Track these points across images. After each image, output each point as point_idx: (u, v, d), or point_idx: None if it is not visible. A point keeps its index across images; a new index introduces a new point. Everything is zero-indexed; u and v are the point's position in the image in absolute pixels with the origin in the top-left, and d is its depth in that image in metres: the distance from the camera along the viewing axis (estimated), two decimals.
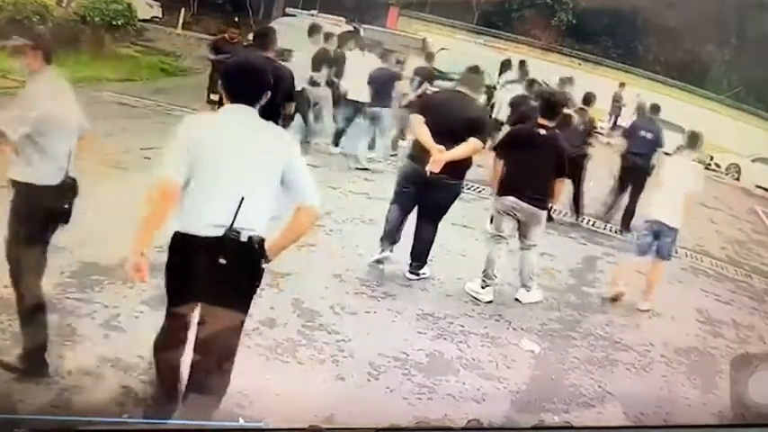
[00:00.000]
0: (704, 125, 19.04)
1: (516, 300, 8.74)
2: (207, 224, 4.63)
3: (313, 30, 13.81)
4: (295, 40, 17.17)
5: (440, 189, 8.27)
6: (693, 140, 9.71)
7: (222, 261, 4.61)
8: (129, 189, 9.57)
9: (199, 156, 4.67)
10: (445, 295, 8.47)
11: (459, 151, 8.11)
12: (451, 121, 8.16)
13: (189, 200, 4.72)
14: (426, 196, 8.37)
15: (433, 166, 8.06)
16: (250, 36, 14.96)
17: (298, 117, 10.74)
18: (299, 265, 8.37)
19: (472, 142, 8.13)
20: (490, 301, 8.53)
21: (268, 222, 4.83)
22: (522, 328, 8.03)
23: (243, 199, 4.57)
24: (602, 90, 17.50)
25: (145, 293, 6.98)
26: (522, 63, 15.76)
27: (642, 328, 8.86)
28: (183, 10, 25.16)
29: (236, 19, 23.89)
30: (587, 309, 9.00)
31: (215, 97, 12.90)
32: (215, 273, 4.67)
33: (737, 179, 23.71)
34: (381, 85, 12.53)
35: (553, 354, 7.74)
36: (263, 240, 4.76)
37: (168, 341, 5.08)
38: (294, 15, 19.62)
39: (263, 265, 4.86)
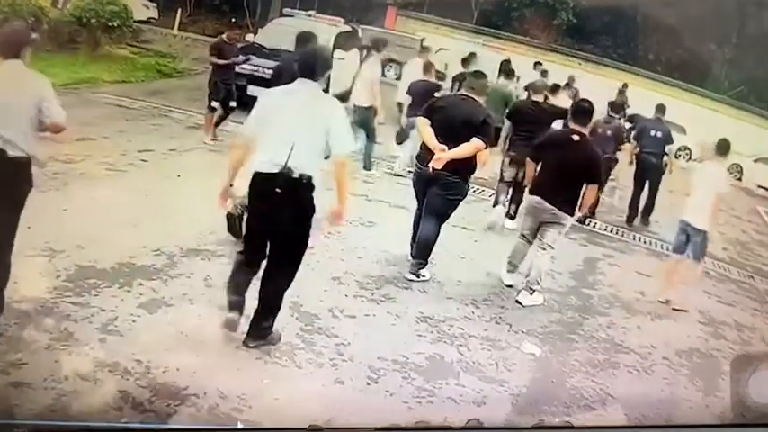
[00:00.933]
0: (705, 125, 19.09)
1: (517, 302, 8.71)
2: (269, 163, 6.18)
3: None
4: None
5: (443, 187, 8.48)
6: (722, 148, 9.88)
7: (278, 190, 6.16)
8: (126, 191, 9.59)
9: (266, 115, 6.37)
10: (445, 298, 8.41)
11: (461, 150, 8.35)
12: (456, 122, 8.44)
13: (260, 147, 6.31)
14: (430, 195, 8.60)
15: (435, 163, 8.34)
16: (248, 37, 14.93)
17: None
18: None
19: (474, 142, 8.37)
20: (510, 286, 8.90)
21: (318, 166, 6.28)
22: (522, 331, 7.98)
23: (293, 146, 6.10)
24: (605, 90, 17.56)
25: (142, 297, 6.96)
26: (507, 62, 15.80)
27: (644, 329, 8.81)
28: (179, 11, 25.13)
29: (233, 20, 23.94)
30: (588, 311, 8.94)
31: (216, 104, 12.90)
32: (275, 199, 6.19)
33: (739, 179, 23.66)
34: (421, 96, 12.64)
35: (554, 356, 7.68)
36: (311, 178, 6.21)
37: (240, 270, 6.58)
38: (291, 16, 19.56)
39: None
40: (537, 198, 8.61)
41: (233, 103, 13.18)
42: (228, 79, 13.34)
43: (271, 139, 6.24)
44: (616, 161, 12.97)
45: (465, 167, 8.53)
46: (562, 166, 8.46)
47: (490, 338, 7.63)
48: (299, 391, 6.10)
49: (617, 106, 13.62)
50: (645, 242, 12.62)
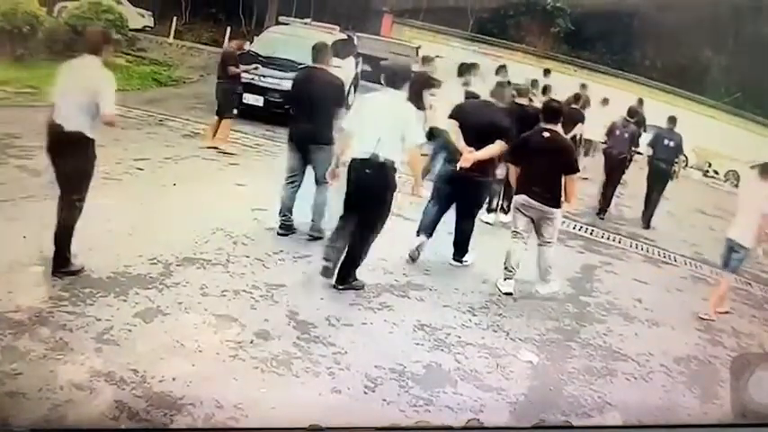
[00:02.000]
0: (702, 132, 19.13)
1: (536, 291, 9.19)
2: (362, 151, 7.96)
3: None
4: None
5: (472, 185, 9.36)
6: (766, 171, 10.06)
7: (368, 171, 7.95)
8: (121, 200, 9.56)
9: (360, 116, 8.27)
10: (442, 306, 8.39)
11: (486, 151, 9.15)
12: (481, 126, 9.24)
13: (356, 140, 8.16)
14: (462, 193, 9.43)
15: (463, 164, 9.12)
16: (246, 46, 14.94)
17: None
18: (294, 277, 8.34)
19: (498, 144, 9.15)
20: (509, 293, 9.05)
21: (397, 154, 7.95)
22: (519, 339, 7.96)
23: (379, 139, 7.84)
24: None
25: (138, 306, 6.93)
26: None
27: (641, 337, 8.78)
28: (174, 19, 25.15)
29: (229, 27, 23.94)
30: (586, 318, 8.92)
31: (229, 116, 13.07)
32: (365, 178, 7.99)
33: (736, 186, 23.71)
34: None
35: (551, 364, 7.66)
36: (393, 163, 7.97)
37: (338, 232, 8.31)
38: (287, 24, 19.55)
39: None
40: (523, 196, 8.99)
41: (235, 111, 13.44)
42: (237, 88, 13.58)
43: (362, 134, 8.07)
44: (630, 160, 14.51)
45: (490, 167, 9.41)
46: (538, 162, 8.87)
47: (487, 346, 7.59)
48: (295, 399, 6.08)
49: (633, 112, 15.02)
50: (642, 249, 12.62)
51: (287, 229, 9.61)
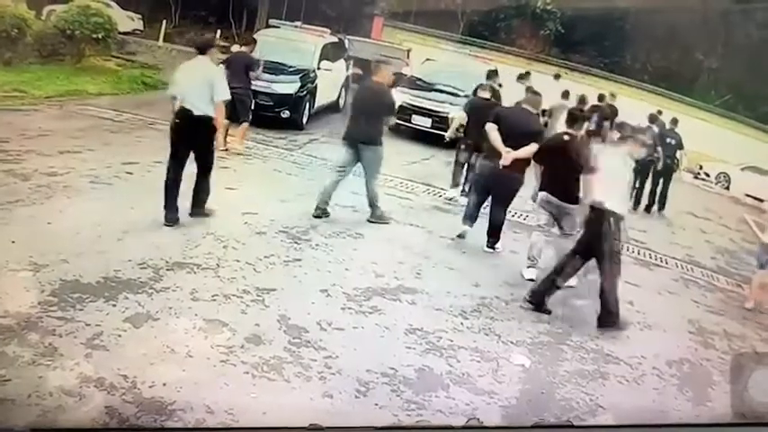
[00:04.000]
0: (693, 134, 19.27)
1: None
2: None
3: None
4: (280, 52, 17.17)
5: (507, 180, 10.41)
6: None
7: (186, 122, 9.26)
8: (111, 204, 9.52)
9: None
10: (434, 309, 8.35)
11: (523, 152, 10.14)
12: (517, 130, 10.30)
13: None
14: (497, 186, 10.58)
15: (504, 162, 10.20)
16: (234, 48, 14.96)
17: None
18: (284, 281, 8.31)
19: (533, 146, 10.08)
20: (531, 280, 9.66)
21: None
22: (512, 342, 7.93)
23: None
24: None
25: (127, 311, 6.89)
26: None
27: (633, 340, 8.75)
28: (164, 22, 25.11)
29: (219, 30, 23.91)
30: (577, 321, 8.89)
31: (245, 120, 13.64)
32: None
33: (727, 188, 23.78)
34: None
35: (543, 367, 7.63)
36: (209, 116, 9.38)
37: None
38: (278, 27, 19.55)
39: None
40: (545, 193, 9.79)
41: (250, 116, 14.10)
42: (250, 92, 14.17)
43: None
44: (652, 162, 15.94)
45: (524, 165, 10.31)
46: (558, 163, 9.63)
47: (479, 350, 7.56)
48: (287, 404, 6.04)
49: (653, 118, 17.58)
50: (633, 252, 12.61)
51: (323, 212, 10.66)
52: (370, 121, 10.76)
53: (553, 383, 7.32)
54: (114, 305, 6.96)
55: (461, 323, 8.16)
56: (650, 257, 12.56)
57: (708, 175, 23.93)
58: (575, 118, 10.14)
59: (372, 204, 10.91)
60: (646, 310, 9.72)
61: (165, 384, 5.83)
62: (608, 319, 8.72)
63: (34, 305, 6.68)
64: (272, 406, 5.87)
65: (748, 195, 22.50)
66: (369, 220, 10.84)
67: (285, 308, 7.52)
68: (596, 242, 8.73)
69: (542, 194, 9.83)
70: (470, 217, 10.97)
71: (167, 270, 7.93)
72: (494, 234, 10.76)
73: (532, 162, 10.24)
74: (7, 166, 10.19)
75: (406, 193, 13.15)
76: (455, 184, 13.42)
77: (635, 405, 7.31)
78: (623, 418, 7.00)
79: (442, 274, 9.46)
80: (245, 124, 13.65)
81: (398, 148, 14.42)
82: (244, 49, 14.28)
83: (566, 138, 9.83)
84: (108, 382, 5.74)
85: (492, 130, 10.43)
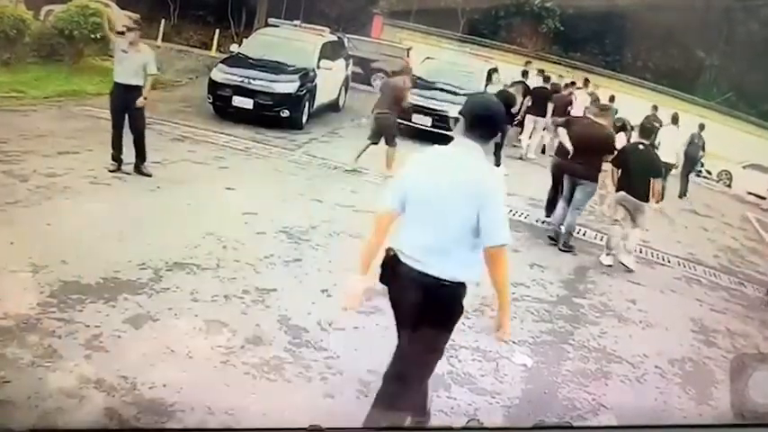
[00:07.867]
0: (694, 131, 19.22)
1: (621, 263, 11.19)
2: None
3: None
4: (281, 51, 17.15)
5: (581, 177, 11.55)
6: None
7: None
8: (110, 205, 9.49)
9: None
10: None
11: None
12: (586, 139, 11.43)
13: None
14: (574, 191, 11.64)
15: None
16: (233, 47, 14.91)
17: None
18: (285, 281, 8.27)
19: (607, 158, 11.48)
20: (610, 265, 11.27)
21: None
22: (513, 342, 7.88)
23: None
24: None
25: (127, 312, 6.86)
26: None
27: (635, 338, 8.73)
28: (162, 22, 25.05)
29: (218, 30, 23.85)
30: (579, 320, 8.86)
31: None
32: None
33: (729, 186, 23.76)
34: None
35: (546, 367, 7.60)
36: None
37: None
38: (277, 26, 19.50)
39: None
40: (622, 193, 11.23)
41: None
42: None
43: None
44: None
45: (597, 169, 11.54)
46: (633, 167, 11.15)
47: (481, 349, 7.51)
48: (287, 405, 6.01)
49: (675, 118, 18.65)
50: (635, 250, 12.57)
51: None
52: (590, 160, 11.52)
53: (555, 383, 7.29)
54: (114, 306, 6.94)
55: (463, 323, 8.09)
56: (652, 256, 12.53)
57: (709, 172, 23.89)
58: (646, 130, 12.07)
59: (569, 232, 11.77)
60: (648, 309, 9.69)
61: (165, 385, 5.80)
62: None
63: (33, 306, 6.65)
64: (273, 407, 5.84)
65: (750, 193, 22.48)
66: (560, 249, 11.61)
67: (285, 308, 7.49)
68: None
69: (620, 194, 11.25)
70: (549, 208, 12.52)
71: (167, 271, 7.90)
72: (570, 232, 11.80)
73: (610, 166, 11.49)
74: (6, 167, 10.17)
75: None
76: None
77: (637, 404, 7.29)
78: (626, 418, 6.96)
79: None
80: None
81: (398, 147, 14.33)
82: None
83: (640, 147, 11.41)
84: (108, 383, 5.72)
85: (563, 133, 11.84)
